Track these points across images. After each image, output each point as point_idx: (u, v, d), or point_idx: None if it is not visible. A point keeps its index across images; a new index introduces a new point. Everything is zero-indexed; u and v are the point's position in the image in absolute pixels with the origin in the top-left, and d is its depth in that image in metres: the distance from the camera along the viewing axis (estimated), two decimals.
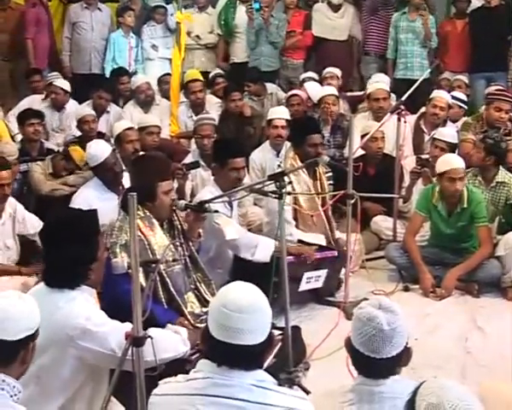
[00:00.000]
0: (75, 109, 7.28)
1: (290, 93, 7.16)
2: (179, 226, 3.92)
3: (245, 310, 2.10)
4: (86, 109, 6.69)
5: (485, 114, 6.42)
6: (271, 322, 2.23)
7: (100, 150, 5.12)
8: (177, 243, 3.81)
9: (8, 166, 4.88)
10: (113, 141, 6.14)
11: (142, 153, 5.49)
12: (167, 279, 3.68)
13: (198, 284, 3.91)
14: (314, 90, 7.14)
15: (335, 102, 6.70)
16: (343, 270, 4.88)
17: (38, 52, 8.01)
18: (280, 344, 3.56)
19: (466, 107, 6.99)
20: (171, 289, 3.70)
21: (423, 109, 6.76)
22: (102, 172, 5.06)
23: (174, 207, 3.88)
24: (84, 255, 2.80)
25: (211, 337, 2.13)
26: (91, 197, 4.78)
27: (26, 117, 6.31)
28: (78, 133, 6.88)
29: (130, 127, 5.82)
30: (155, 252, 3.64)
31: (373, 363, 2.21)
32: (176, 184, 5.46)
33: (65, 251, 2.76)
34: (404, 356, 2.27)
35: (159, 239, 3.74)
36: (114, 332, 2.73)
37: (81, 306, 2.74)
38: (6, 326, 2.16)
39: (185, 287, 3.81)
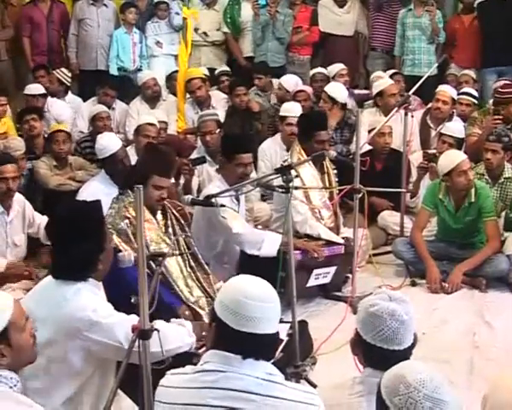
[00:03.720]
0: (80, 106, 7.33)
1: (297, 89, 7.14)
2: (174, 220, 3.97)
3: (266, 299, 2.14)
4: (99, 106, 6.70)
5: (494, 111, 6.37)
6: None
7: (111, 143, 5.12)
8: (180, 237, 3.85)
9: (13, 161, 4.87)
10: (119, 136, 6.15)
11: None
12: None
13: (198, 273, 3.95)
14: (291, 84, 7.23)
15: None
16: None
17: (36, 50, 8.00)
18: (287, 339, 3.56)
19: (477, 102, 6.88)
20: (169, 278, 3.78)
21: (430, 105, 6.74)
22: (111, 165, 5.06)
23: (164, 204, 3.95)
24: (93, 247, 2.80)
25: (231, 330, 2.11)
26: (97, 191, 4.77)
27: (23, 115, 6.36)
28: (84, 129, 6.92)
29: (152, 123, 5.88)
30: (148, 245, 3.68)
31: (395, 355, 2.21)
32: (182, 180, 5.47)
33: (73, 245, 2.76)
34: (415, 340, 2.32)
35: (154, 235, 3.80)
36: (121, 324, 2.74)
37: (88, 298, 2.75)
38: None
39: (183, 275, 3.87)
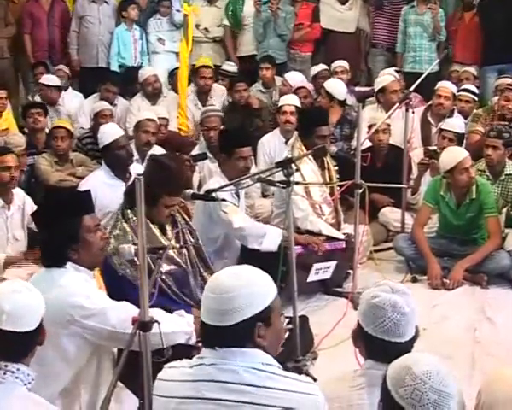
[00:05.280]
0: (81, 102, 7.33)
1: (298, 85, 7.14)
2: (184, 225, 3.91)
3: (222, 291, 2.06)
4: (102, 103, 6.70)
5: (497, 105, 6.38)
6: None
7: (113, 130, 5.14)
8: (184, 230, 3.81)
9: (11, 151, 4.92)
10: None
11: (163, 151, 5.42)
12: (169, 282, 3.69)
13: (204, 275, 3.91)
14: (296, 81, 7.23)
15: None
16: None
17: (37, 46, 8.01)
18: (288, 333, 3.56)
19: (477, 99, 6.88)
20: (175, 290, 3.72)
21: (431, 102, 6.73)
22: (113, 152, 5.03)
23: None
24: (63, 235, 2.84)
25: (201, 322, 2.13)
26: (98, 183, 4.73)
27: (27, 109, 6.39)
28: (86, 126, 6.91)
29: (151, 119, 5.85)
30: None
31: (396, 348, 2.20)
32: None
33: (46, 231, 2.88)
34: (417, 333, 2.31)
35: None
36: (114, 309, 2.79)
37: (80, 285, 2.81)
38: (27, 318, 2.28)
39: (196, 287, 3.81)
